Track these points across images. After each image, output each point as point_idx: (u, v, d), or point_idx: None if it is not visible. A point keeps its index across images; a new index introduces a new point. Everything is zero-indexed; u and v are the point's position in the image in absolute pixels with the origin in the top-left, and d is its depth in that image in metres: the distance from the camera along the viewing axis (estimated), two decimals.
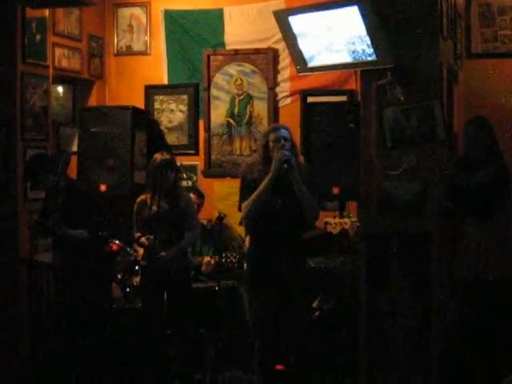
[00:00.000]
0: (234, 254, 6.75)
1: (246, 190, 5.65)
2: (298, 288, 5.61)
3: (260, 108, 7.78)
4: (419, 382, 5.39)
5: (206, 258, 6.84)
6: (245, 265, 6.92)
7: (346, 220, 6.60)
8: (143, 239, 6.32)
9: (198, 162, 7.91)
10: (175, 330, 6.45)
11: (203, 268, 6.91)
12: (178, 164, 6.73)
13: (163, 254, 6.25)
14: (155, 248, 6.23)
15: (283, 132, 5.63)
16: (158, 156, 6.40)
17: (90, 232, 6.16)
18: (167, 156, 6.41)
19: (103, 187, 7.21)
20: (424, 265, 5.33)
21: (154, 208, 6.29)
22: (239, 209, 5.71)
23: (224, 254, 6.62)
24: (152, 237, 6.24)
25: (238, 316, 7.05)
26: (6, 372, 6.35)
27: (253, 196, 5.53)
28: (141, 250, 6.59)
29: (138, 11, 8.13)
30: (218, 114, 7.90)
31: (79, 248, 6.13)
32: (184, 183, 7.44)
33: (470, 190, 5.66)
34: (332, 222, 6.58)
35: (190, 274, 6.66)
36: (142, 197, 6.46)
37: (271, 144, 5.60)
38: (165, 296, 6.43)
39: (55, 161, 6.36)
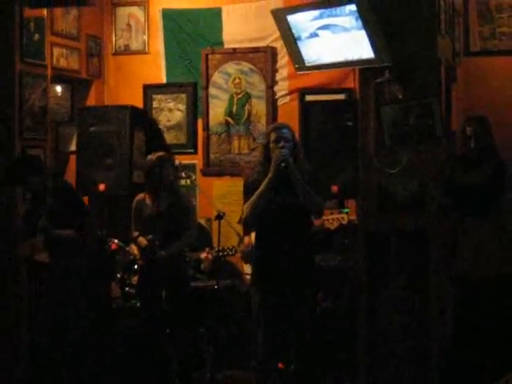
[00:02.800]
0: (231, 247, 6.75)
1: (248, 192, 5.65)
2: (304, 285, 5.60)
3: (258, 107, 7.77)
4: (419, 378, 5.40)
5: (203, 254, 6.83)
6: (244, 265, 6.95)
7: (344, 215, 6.57)
8: (141, 239, 6.33)
9: (197, 160, 7.90)
10: (174, 329, 6.46)
11: (202, 265, 6.91)
12: (177, 163, 6.74)
13: (162, 252, 6.26)
14: (155, 247, 6.24)
15: (284, 132, 5.59)
16: (151, 156, 6.44)
17: (77, 231, 6.15)
18: (160, 153, 6.43)
19: (102, 187, 7.21)
20: (423, 262, 5.33)
21: (154, 207, 6.31)
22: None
23: (221, 248, 6.64)
24: (151, 236, 6.25)
25: (238, 315, 7.06)
26: (7, 372, 6.35)
27: (253, 197, 5.52)
28: (136, 250, 6.60)
29: (136, 10, 8.11)
30: (217, 112, 7.89)
31: (72, 248, 6.13)
32: (183, 182, 7.47)
33: (469, 188, 5.67)
34: (329, 217, 6.56)
35: (188, 272, 6.66)
36: (140, 196, 6.48)
37: (271, 145, 5.58)
38: (163, 295, 6.44)
39: (39, 161, 6.36)
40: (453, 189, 5.69)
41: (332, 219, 6.54)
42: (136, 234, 6.45)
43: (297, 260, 5.55)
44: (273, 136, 5.59)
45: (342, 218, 6.50)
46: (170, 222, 6.34)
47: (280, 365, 5.80)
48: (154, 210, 6.34)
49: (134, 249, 6.70)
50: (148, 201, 6.39)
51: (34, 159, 6.35)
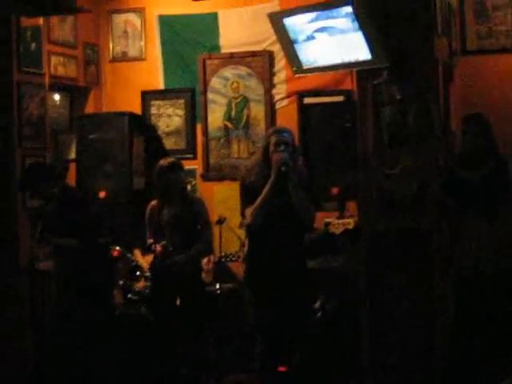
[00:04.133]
0: (233, 253, 6.75)
1: (246, 195, 5.63)
2: (298, 289, 5.59)
3: (257, 110, 7.78)
4: (422, 381, 5.39)
5: (204, 261, 6.80)
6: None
7: (350, 220, 6.57)
8: (157, 246, 6.28)
9: (197, 165, 7.91)
10: (186, 332, 6.42)
11: (203, 276, 6.88)
12: None
13: (178, 258, 6.24)
14: (169, 254, 6.21)
15: (285, 136, 5.56)
16: (162, 161, 6.40)
17: (80, 241, 6.11)
18: (172, 159, 6.42)
19: (102, 194, 7.22)
20: (424, 262, 5.33)
21: (166, 214, 6.29)
22: (242, 214, 5.69)
23: (223, 254, 6.64)
24: (165, 242, 6.22)
25: (241, 318, 7.06)
26: (9, 381, 6.35)
27: (257, 202, 5.49)
28: (139, 256, 6.60)
29: (132, 17, 8.12)
30: (216, 117, 7.89)
31: (77, 255, 6.11)
32: None
33: (471, 185, 5.65)
34: (335, 222, 6.55)
35: (202, 279, 6.63)
36: (153, 203, 6.46)
37: (271, 148, 5.56)
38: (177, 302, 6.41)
39: (52, 169, 6.36)
40: (453, 187, 5.67)
41: (338, 224, 6.53)
42: (151, 241, 6.43)
43: (290, 264, 5.54)
44: (273, 139, 5.57)
45: (348, 223, 6.49)
46: (184, 227, 6.32)
47: (281, 368, 5.79)
48: (166, 216, 6.32)
49: (137, 256, 6.69)
50: (161, 207, 6.36)
51: (41, 167, 6.34)
